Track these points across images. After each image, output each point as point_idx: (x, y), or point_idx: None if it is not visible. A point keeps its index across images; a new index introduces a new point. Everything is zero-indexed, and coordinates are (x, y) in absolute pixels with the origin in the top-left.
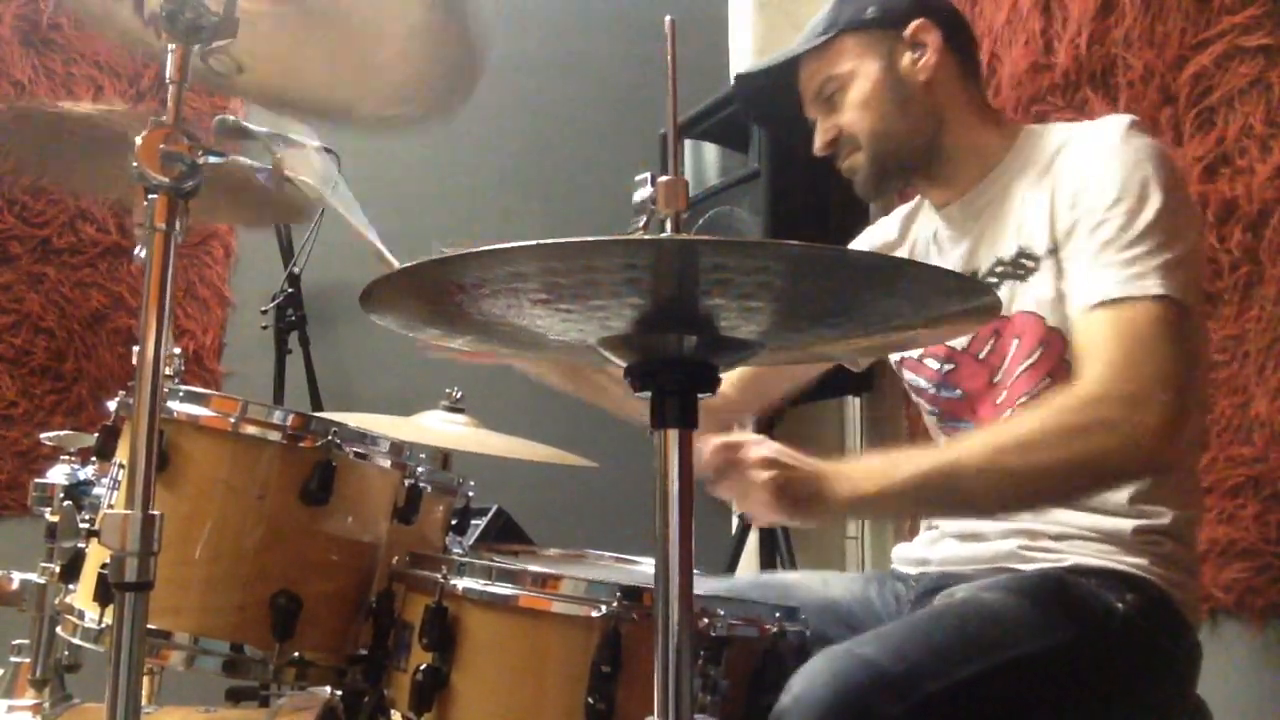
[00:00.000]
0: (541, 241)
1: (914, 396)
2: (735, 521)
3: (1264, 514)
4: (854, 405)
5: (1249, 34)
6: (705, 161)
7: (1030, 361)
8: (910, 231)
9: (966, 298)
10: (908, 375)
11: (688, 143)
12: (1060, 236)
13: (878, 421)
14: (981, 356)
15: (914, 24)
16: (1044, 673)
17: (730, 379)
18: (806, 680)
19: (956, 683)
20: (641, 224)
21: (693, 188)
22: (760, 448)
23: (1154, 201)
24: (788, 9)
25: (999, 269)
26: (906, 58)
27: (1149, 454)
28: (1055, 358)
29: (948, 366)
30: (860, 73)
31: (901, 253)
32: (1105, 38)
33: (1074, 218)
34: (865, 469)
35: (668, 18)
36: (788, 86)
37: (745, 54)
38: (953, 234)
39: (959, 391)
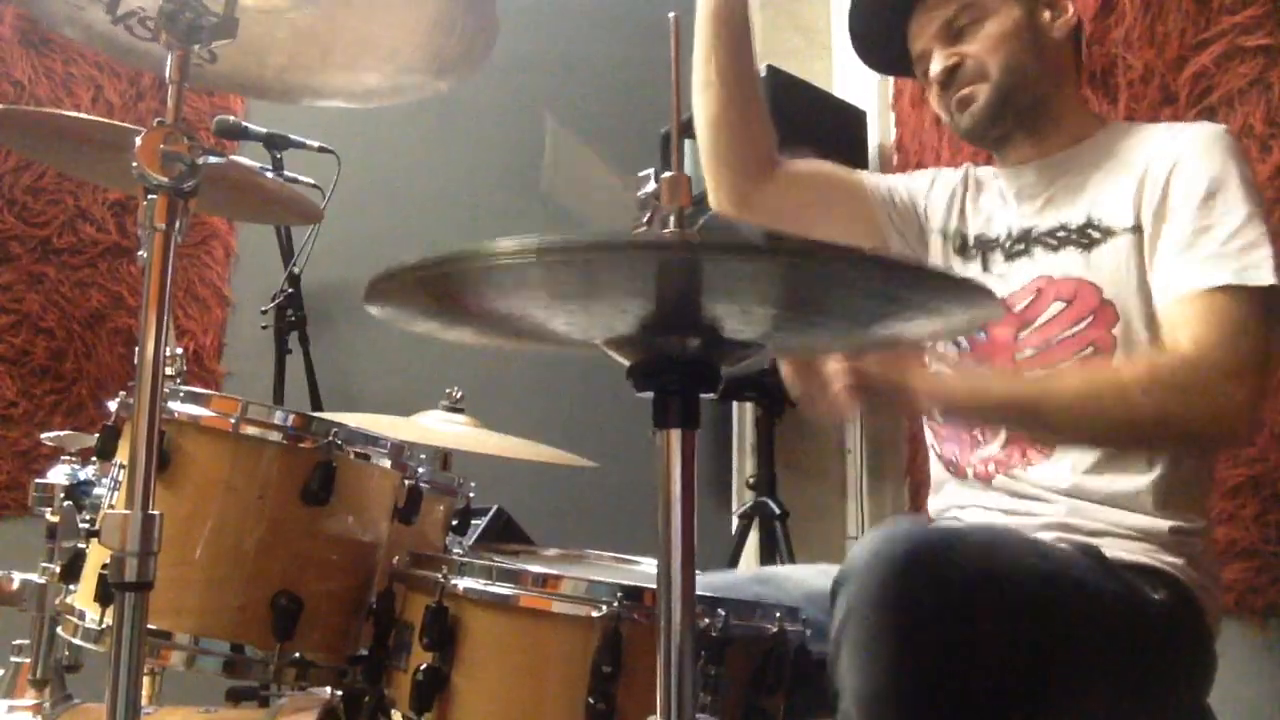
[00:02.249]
0: (545, 239)
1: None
2: (735, 521)
3: (1264, 514)
4: None
5: (1249, 34)
6: None
7: (1076, 329)
8: (975, 187)
9: (968, 299)
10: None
11: (688, 142)
12: (1147, 216)
13: (878, 421)
14: (1018, 309)
15: None
16: (1093, 609)
17: (799, 180)
18: (881, 537)
19: (1025, 566)
20: (645, 220)
21: (694, 186)
22: (836, 360)
23: (1250, 198)
24: (788, 9)
25: (1061, 233)
26: (1046, 14)
27: (1232, 427)
28: (1103, 329)
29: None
30: (1002, 10)
31: (966, 201)
32: (1105, 38)
33: (1168, 201)
34: (950, 378)
35: (671, 14)
36: (894, 24)
37: None
38: (1019, 191)
39: (983, 334)
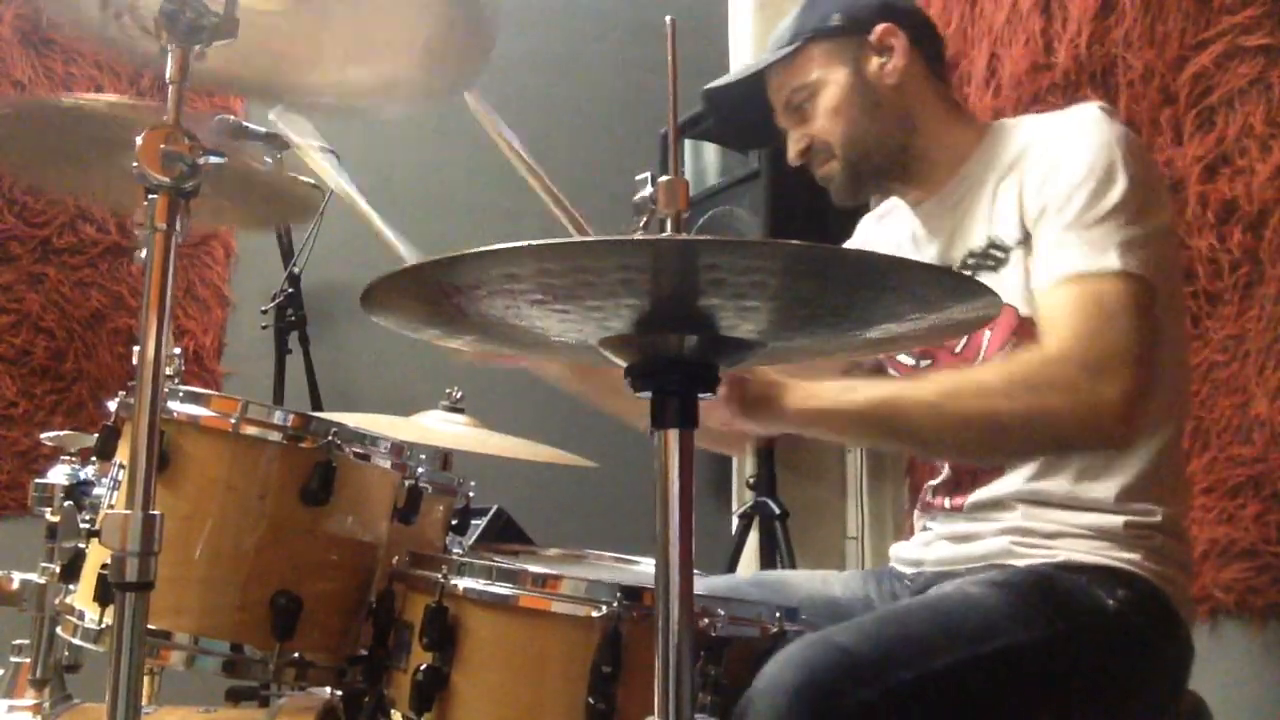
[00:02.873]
0: (533, 243)
1: None
2: (735, 522)
3: (1264, 514)
4: None
5: (1249, 34)
6: (705, 161)
7: (1004, 353)
8: (887, 232)
9: (966, 297)
10: (890, 371)
11: (688, 142)
12: (1030, 223)
13: None
14: (957, 350)
15: (879, 28)
16: (1025, 666)
17: None
18: (778, 665)
19: (931, 671)
20: (642, 224)
21: (693, 188)
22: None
23: (1120, 182)
24: (787, 9)
25: (970, 260)
26: (874, 62)
27: (1106, 425)
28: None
29: (924, 362)
30: (829, 80)
31: (904, 245)
32: (1105, 38)
33: (1042, 202)
34: (821, 386)
35: (668, 17)
36: (758, 98)
37: (745, 54)
38: (928, 231)
39: None
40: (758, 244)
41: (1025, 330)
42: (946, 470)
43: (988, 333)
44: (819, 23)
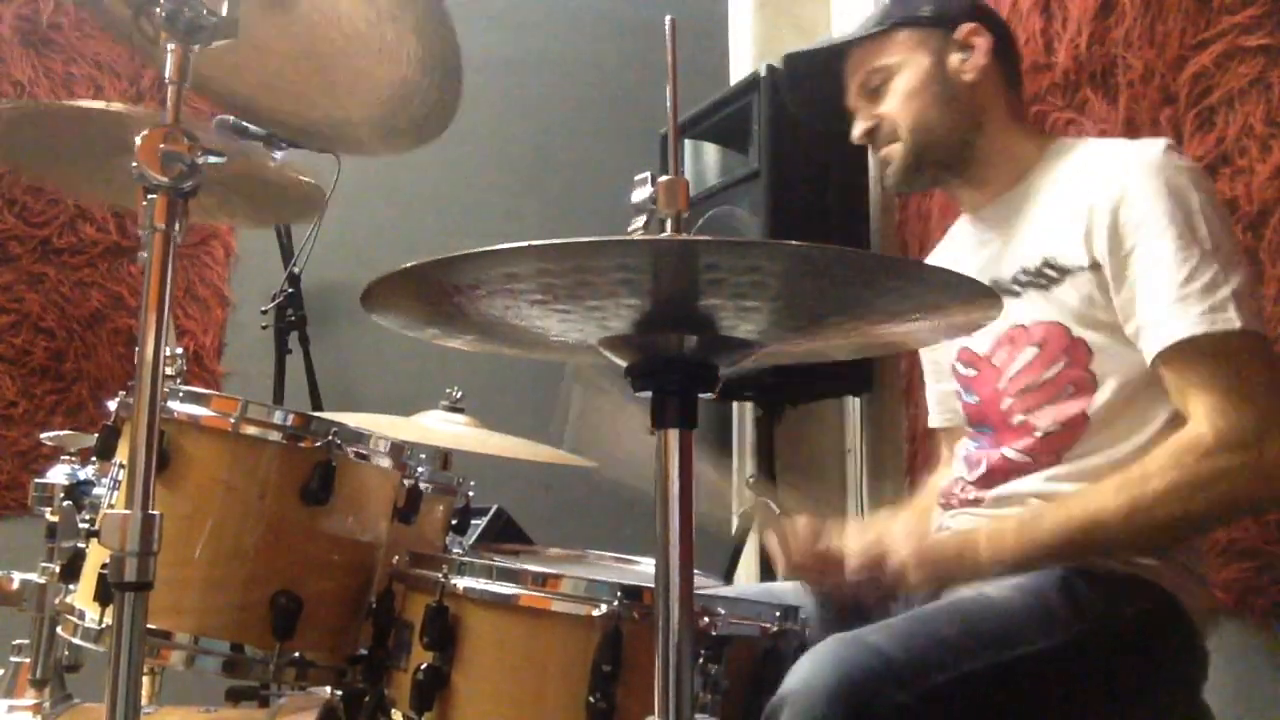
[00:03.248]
0: (534, 243)
1: (955, 401)
2: (735, 522)
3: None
4: (854, 405)
5: (1249, 34)
6: (705, 161)
7: (1053, 372)
8: (957, 243)
9: (965, 296)
10: (952, 379)
11: (688, 143)
12: (1100, 255)
13: (877, 421)
14: (995, 363)
15: (966, 26)
16: (1050, 671)
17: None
18: (813, 664)
19: (963, 675)
20: (641, 224)
21: (693, 188)
22: (898, 546)
23: (1205, 230)
24: (788, 9)
25: (1023, 277)
26: (955, 57)
27: (1273, 486)
28: (1080, 368)
29: (970, 372)
30: (909, 65)
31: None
32: (1105, 38)
33: (1123, 243)
34: (1000, 536)
35: (668, 17)
36: (831, 76)
37: (745, 54)
38: (981, 238)
39: (976, 398)
40: (758, 244)
41: (1077, 351)
42: (983, 467)
43: (1031, 349)
44: (910, 10)
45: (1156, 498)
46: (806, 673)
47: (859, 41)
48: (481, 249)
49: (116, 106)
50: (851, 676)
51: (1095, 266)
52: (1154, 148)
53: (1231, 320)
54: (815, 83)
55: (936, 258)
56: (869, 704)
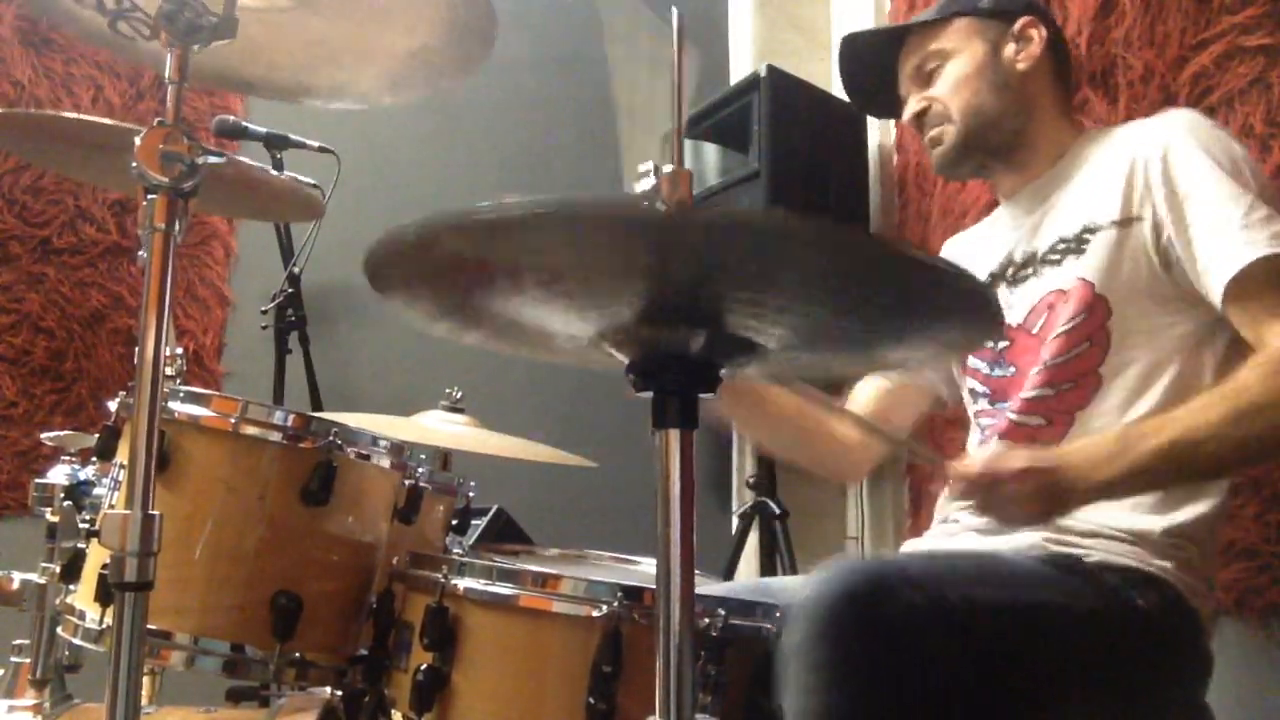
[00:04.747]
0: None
1: (967, 379)
2: (735, 522)
3: (1264, 514)
4: None
5: (1249, 34)
6: (705, 161)
7: (1070, 325)
8: (989, 230)
9: (974, 303)
10: (979, 360)
11: (688, 142)
12: (1144, 209)
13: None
14: (1035, 331)
15: (1023, 20)
16: (1062, 626)
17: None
18: (825, 574)
19: (976, 600)
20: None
21: (694, 183)
22: (1012, 460)
23: (1249, 176)
24: (788, 9)
25: (1060, 245)
26: (1010, 48)
27: None
28: (1097, 324)
29: (1003, 344)
30: (964, 51)
31: (985, 249)
32: (1105, 38)
33: (1176, 190)
34: (1098, 453)
35: (674, 10)
36: (884, 64)
37: (745, 54)
38: (1016, 218)
39: (1013, 368)
40: (766, 223)
41: (1097, 307)
42: (993, 439)
43: (1065, 308)
44: (971, 2)
45: (1255, 406)
46: (813, 584)
47: (918, 27)
48: (493, 206)
49: (106, 122)
50: (863, 577)
51: (1126, 222)
52: (1188, 111)
53: None
54: (868, 72)
55: (963, 240)
56: (881, 601)
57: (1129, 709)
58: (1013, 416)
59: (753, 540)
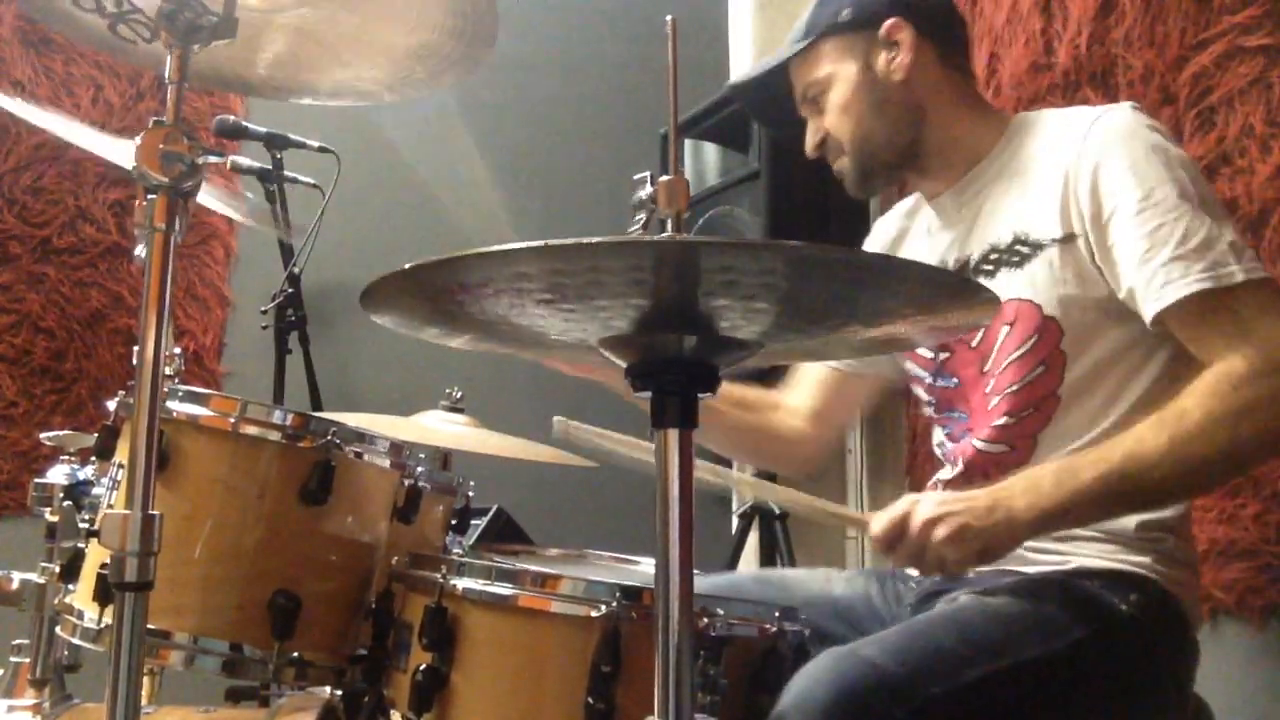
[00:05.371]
0: (547, 242)
1: (913, 387)
2: (735, 522)
3: (1264, 514)
4: None
5: (1249, 34)
6: (705, 161)
7: (1022, 350)
8: (909, 226)
9: (966, 297)
10: (908, 364)
11: (688, 142)
12: (1081, 225)
13: (877, 421)
14: (974, 345)
15: (888, 24)
16: (1048, 677)
17: (799, 413)
18: (809, 680)
19: (960, 686)
20: (641, 223)
21: (693, 188)
22: (922, 507)
23: (1190, 186)
24: (788, 9)
25: (993, 256)
26: (882, 58)
27: None
28: (1051, 346)
29: (943, 355)
30: (838, 76)
31: (900, 247)
32: (1105, 38)
33: (1103, 208)
34: (1036, 485)
35: (668, 17)
36: (782, 87)
37: (745, 54)
38: (943, 223)
39: (954, 380)
40: (766, 245)
41: (1049, 329)
42: (960, 465)
43: (1005, 328)
44: (830, 18)
45: (1198, 430)
46: (801, 689)
47: (790, 60)
48: (491, 249)
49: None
50: (847, 692)
51: (1069, 239)
52: (1122, 111)
53: (1234, 274)
54: (770, 100)
55: (882, 230)
56: (865, 718)
57: (1121, 713)
58: (978, 444)
59: (753, 540)
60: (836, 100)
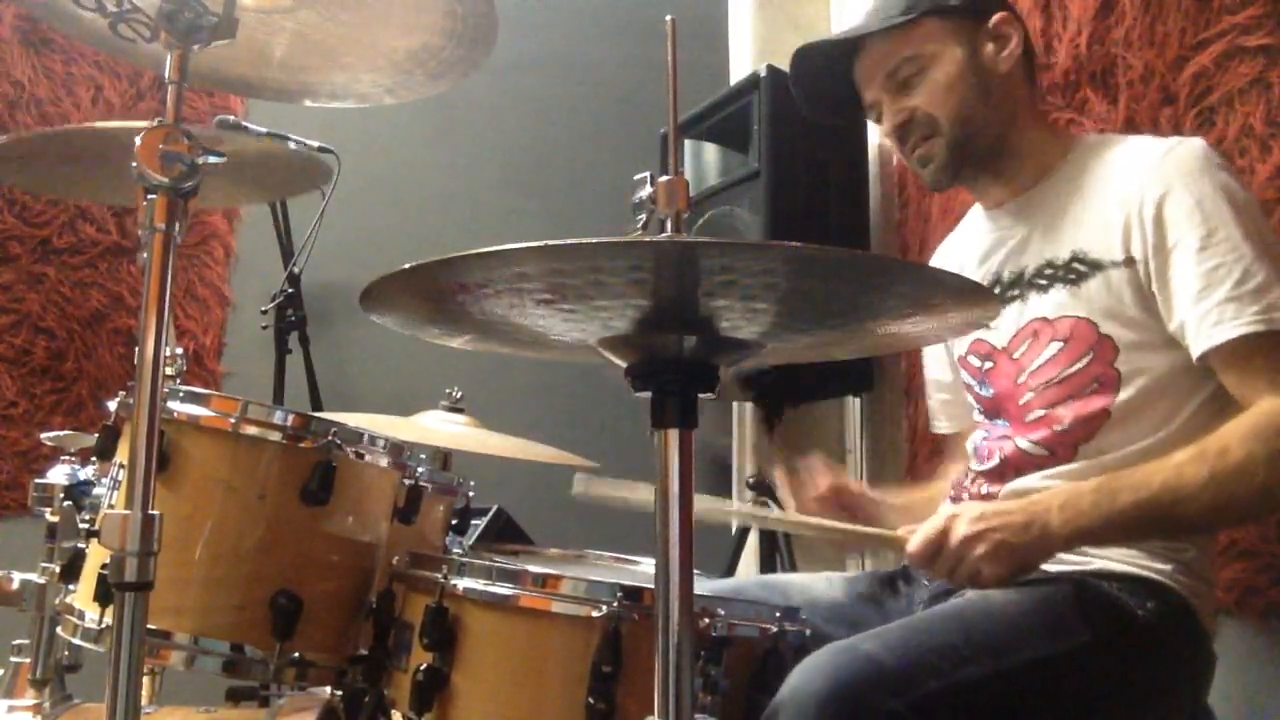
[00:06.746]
0: (547, 242)
1: (966, 395)
2: (734, 523)
3: None
4: (854, 405)
5: (1249, 34)
6: (705, 161)
7: (1078, 366)
8: (972, 237)
9: (964, 299)
10: (962, 373)
11: (688, 142)
12: (1142, 251)
13: (878, 421)
14: (1015, 356)
15: (998, 16)
16: (1050, 676)
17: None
18: (805, 673)
19: (958, 683)
20: (641, 224)
21: (693, 188)
22: (960, 525)
23: (1255, 229)
24: (788, 9)
25: (1048, 270)
26: (990, 48)
27: None
28: (1105, 364)
29: (987, 364)
30: (944, 56)
31: (971, 259)
32: (1105, 38)
33: (1166, 239)
34: (1073, 503)
35: (668, 17)
36: (839, 71)
37: (745, 54)
38: (1001, 233)
39: (992, 390)
40: (767, 246)
41: (1104, 347)
42: (996, 459)
43: (1056, 344)
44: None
45: (1238, 470)
46: (799, 681)
47: (885, 31)
48: (488, 249)
49: (113, 125)
50: (843, 684)
51: (1130, 262)
52: (1195, 146)
53: None
54: (821, 79)
55: (947, 249)
56: (861, 712)
57: (1138, 714)
58: (1021, 445)
59: (753, 540)
60: (940, 78)
